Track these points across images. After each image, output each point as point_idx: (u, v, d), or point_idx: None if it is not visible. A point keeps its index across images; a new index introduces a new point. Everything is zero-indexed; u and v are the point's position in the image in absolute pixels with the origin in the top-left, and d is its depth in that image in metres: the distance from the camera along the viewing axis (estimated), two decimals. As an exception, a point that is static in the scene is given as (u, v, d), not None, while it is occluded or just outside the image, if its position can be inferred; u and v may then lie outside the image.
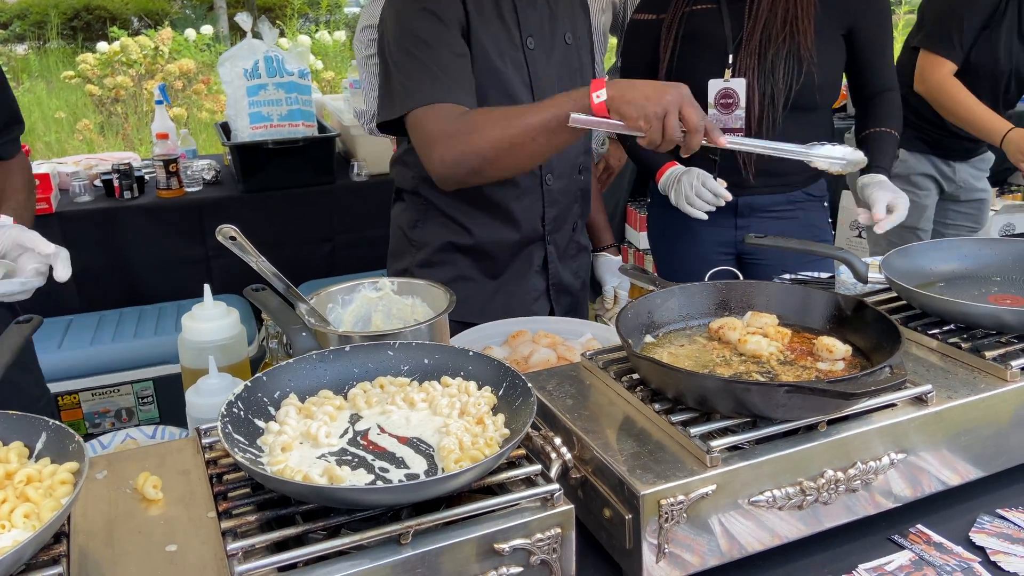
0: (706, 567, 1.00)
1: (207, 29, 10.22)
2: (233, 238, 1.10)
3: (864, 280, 1.35)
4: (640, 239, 4.47)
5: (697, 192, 1.87)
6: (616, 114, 1.33)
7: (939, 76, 2.59)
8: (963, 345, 1.17)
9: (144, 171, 3.31)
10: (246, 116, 3.22)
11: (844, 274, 1.51)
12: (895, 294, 1.35)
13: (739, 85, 1.88)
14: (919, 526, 1.08)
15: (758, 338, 1.16)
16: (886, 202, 1.78)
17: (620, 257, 2.04)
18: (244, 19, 3.35)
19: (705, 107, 1.89)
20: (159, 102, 3.54)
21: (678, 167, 1.95)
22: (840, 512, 1.05)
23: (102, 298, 3.12)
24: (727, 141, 1.33)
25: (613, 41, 2.77)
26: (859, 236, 4.50)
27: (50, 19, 13.23)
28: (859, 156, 1.34)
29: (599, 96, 1.34)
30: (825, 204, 2.10)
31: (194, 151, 3.52)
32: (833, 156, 1.33)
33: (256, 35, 3.36)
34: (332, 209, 3.39)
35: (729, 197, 1.86)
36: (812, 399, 0.96)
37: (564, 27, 1.72)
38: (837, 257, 1.36)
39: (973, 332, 1.22)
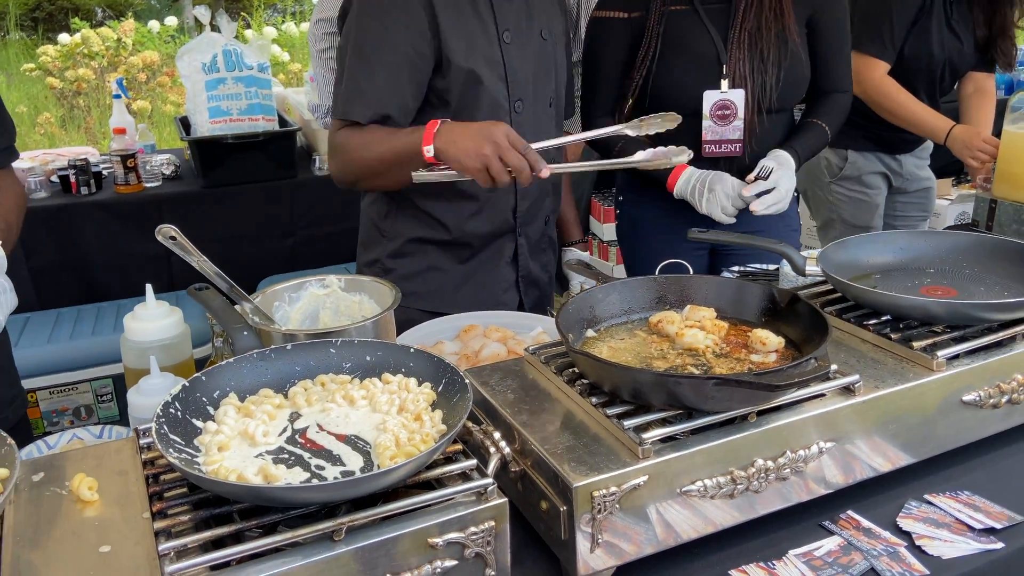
0: (642, 555, 1.02)
1: (171, 21, 10.07)
2: (173, 238, 1.10)
3: (802, 273, 1.38)
4: (604, 231, 4.50)
5: (733, 202, 1.84)
6: (446, 165, 1.46)
7: (875, 78, 2.60)
8: (893, 336, 1.21)
9: (102, 166, 3.27)
10: (205, 110, 3.19)
11: (787, 267, 1.54)
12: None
13: (737, 96, 1.86)
14: (849, 512, 1.12)
15: (695, 331, 1.18)
16: (767, 168, 1.82)
17: (586, 253, 2.07)
18: (202, 12, 3.33)
19: (698, 120, 1.88)
20: (117, 96, 3.50)
21: (693, 172, 1.89)
22: (774, 499, 1.08)
23: (60, 295, 3.09)
24: (549, 170, 1.42)
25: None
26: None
27: (9, 10, 12.97)
28: (674, 152, 1.44)
29: (428, 151, 1.46)
30: (798, 197, 2.12)
31: (153, 146, 3.49)
32: (646, 157, 1.44)
33: (215, 28, 3.33)
34: (293, 204, 3.38)
35: (756, 202, 1.82)
36: (740, 391, 0.98)
37: (540, 23, 1.73)
38: (776, 250, 1.39)
39: (907, 323, 1.26)
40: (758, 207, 1.79)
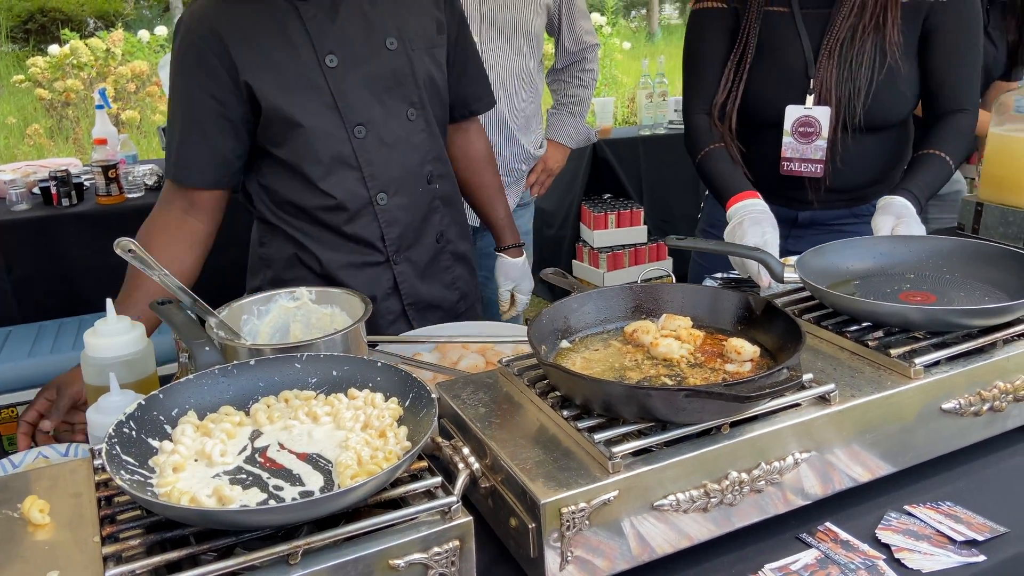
0: (616, 571, 0.99)
1: (162, 31, 10.06)
2: (132, 251, 1.08)
3: (780, 280, 1.36)
4: (594, 238, 4.49)
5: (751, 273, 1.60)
6: None
7: None
8: (871, 343, 1.18)
9: (84, 178, 3.25)
10: (187, 120, 3.16)
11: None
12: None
13: (822, 114, 1.75)
14: (827, 524, 1.09)
15: (669, 341, 1.16)
16: (886, 231, 1.60)
17: (521, 259, 1.97)
18: (185, 22, 3.30)
19: (780, 133, 1.81)
20: (100, 107, 3.48)
21: (747, 209, 1.69)
22: (750, 511, 1.06)
23: (42, 308, 3.06)
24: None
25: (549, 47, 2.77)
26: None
27: (1, 22, 12.95)
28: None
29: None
30: None
31: (135, 156, 3.47)
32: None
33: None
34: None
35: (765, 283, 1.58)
36: (711, 403, 0.96)
37: (385, 31, 1.62)
38: (753, 257, 1.37)
39: (888, 329, 1.24)
40: None
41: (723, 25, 1.86)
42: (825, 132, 1.76)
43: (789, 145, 1.80)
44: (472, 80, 1.85)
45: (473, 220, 2.50)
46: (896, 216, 1.63)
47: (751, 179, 1.83)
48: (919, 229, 1.62)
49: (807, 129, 1.77)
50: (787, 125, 1.78)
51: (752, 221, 1.66)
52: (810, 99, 1.76)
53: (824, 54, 1.75)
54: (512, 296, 2.00)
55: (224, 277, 3.21)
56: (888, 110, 1.79)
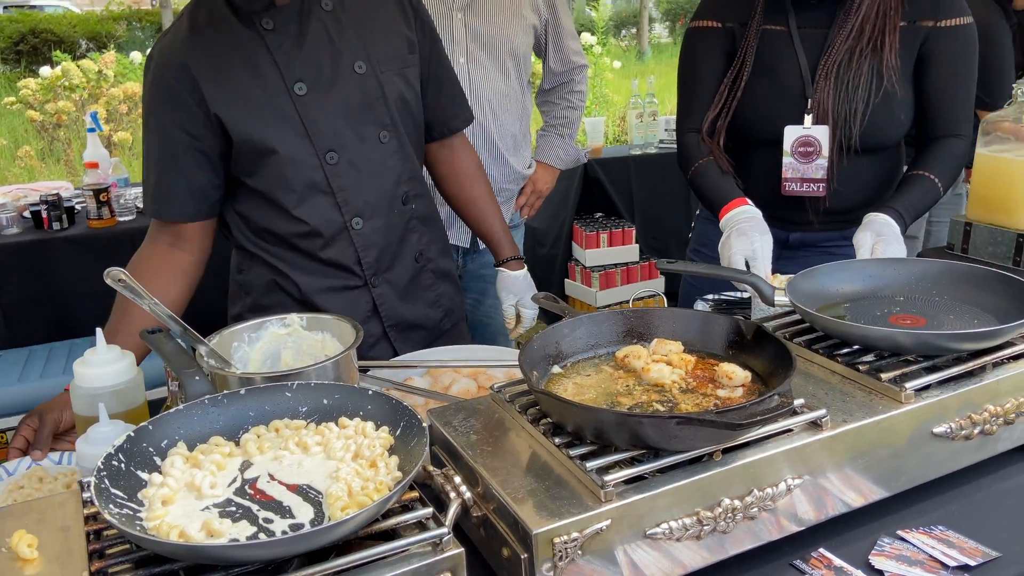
0: (609, 601, 0.99)
1: (154, 52, 10.05)
2: (122, 281, 1.07)
3: (771, 303, 1.36)
4: (587, 257, 4.49)
5: (747, 257, 1.62)
6: None
7: None
8: (861, 367, 1.19)
9: (75, 201, 3.24)
10: (179, 143, 3.17)
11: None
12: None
13: (821, 133, 1.75)
14: (821, 550, 1.09)
15: (660, 366, 1.16)
16: (866, 248, 1.61)
17: (522, 271, 1.91)
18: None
19: (776, 152, 1.81)
20: (91, 130, 3.48)
21: (741, 216, 1.70)
22: (744, 538, 1.05)
23: (32, 332, 3.04)
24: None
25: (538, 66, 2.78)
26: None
27: (-8, 44, 12.98)
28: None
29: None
30: None
31: (126, 179, 3.46)
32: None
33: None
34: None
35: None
36: (703, 430, 0.96)
37: (353, 55, 1.61)
38: (744, 281, 1.37)
39: (878, 353, 1.24)
40: None
41: (718, 45, 1.86)
42: (825, 151, 1.76)
43: (790, 166, 1.79)
44: (449, 97, 1.84)
45: (462, 240, 2.50)
46: (876, 233, 1.63)
47: (742, 187, 1.84)
48: (899, 247, 1.61)
49: (807, 149, 1.77)
50: (787, 145, 1.78)
51: (738, 233, 1.65)
52: (808, 119, 1.77)
53: (821, 74, 1.76)
54: (517, 312, 1.92)
55: (213, 301, 3.21)
56: (883, 132, 1.79)
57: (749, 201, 1.74)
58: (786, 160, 1.79)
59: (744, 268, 1.61)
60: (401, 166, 1.70)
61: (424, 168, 1.85)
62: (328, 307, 1.67)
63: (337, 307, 1.67)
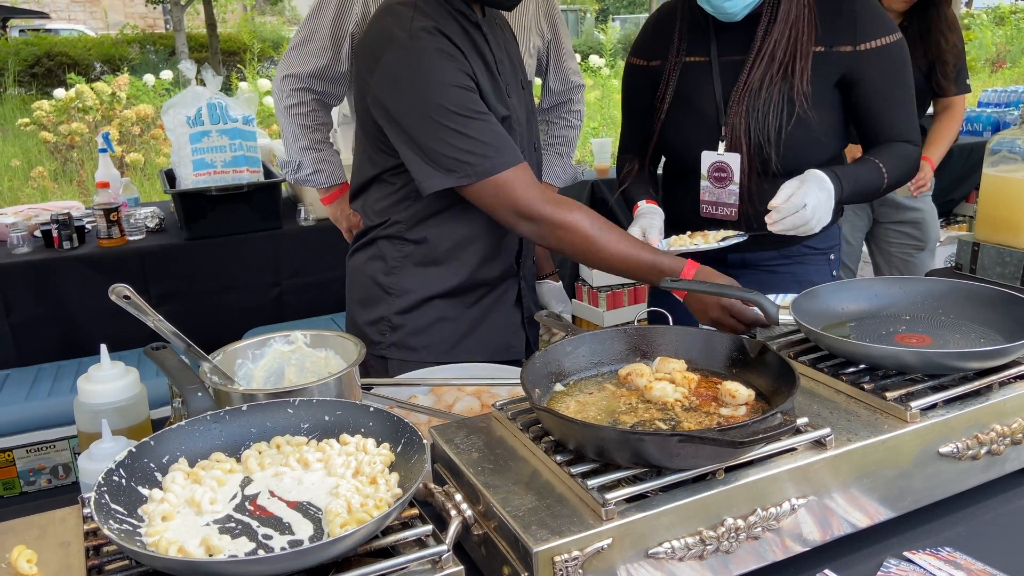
0: (611, 621, 0.98)
1: (167, 74, 10.21)
2: (127, 297, 1.08)
3: (775, 322, 1.36)
4: (594, 277, 4.49)
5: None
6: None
7: None
8: (866, 386, 1.18)
9: (85, 220, 3.27)
10: (189, 163, 3.20)
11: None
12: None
13: (733, 160, 1.79)
14: (826, 571, 1.07)
15: (663, 384, 1.15)
16: (787, 190, 1.65)
17: (561, 283, 2.10)
18: (188, 67, 3.35)
19: (698, 178, 1.86)
20: (103, 150, 3.52)
21: (642, 208, 1.89)
22: (748, 558, 1.04)
23: (41, 351, 3.05)
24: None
25: (537, 83, 2.81)
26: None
27: (8, 66, 13.15)
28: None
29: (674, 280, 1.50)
30: (832, 256, 1.97)
31: (136, 199, 3.49)
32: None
33: (200, 82, 3.36)
34: (279, 254, 3.37)
35: (769, 215, 1.69)
36: (705, 448, 0.95)
37: (522, 73, 1.79)
38: (748, 299, 1.37)
39: (884, 372, 1.23)
40: (770, 220, 1.65)
41: (644, 80, 1.94)
42: (737, 177, 1.80)
43: (706, 189, 1.85)
44: None
45: None
46: (801, 180, 1.67)
47: (661, 205, 1.94)
48: (817, 192, 1.63)
49: (721, 174, 1.82)
50: (704, 170, 1.84)
51: (634, 222, 1.83)
52: (722, 145, 1.81)
53: (735, 101, 1.77)
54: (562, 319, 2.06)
55: (221, 319, 3.22)
56: (803, 157, 1.77)
57: (654, 201, 1.91)
58: (703, 184, 1.85)
59: (657, 243, 1.76)
60: (538, 173, 1.85)
61: None
62: (482, 297, 1.80)
63: (491, 298, 1.81)
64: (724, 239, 1.72)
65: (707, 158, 1.83)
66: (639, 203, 1.92)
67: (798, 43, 1.72)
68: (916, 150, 1.82)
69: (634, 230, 1.80)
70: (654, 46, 1.93)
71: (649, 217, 1.85)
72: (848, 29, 1.73)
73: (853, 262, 3.21)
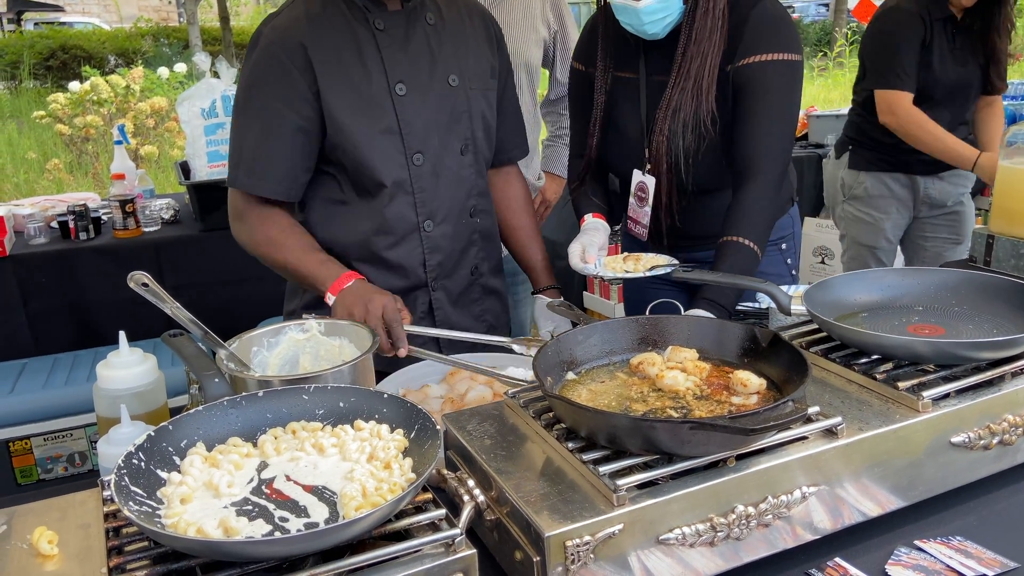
0: (622, 606, 0.99)
1: (181, 67, 10.23)
2: (146, 284, 1.09)
3: (787, 312, 1.36)
4: (606, 269, 4.49)
5: (575, 267, 1.72)
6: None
7: (904, 108, 2.78)
8: (878, 376, 1.18)
9: (101, 212, 3.30)
10: (204, 155, 3.22)
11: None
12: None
13: (651, 182, 1.77)
14: (837, 559, 1.08)
15: (675, 373, 1.16)
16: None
17: (561, 299, 1.93)
18: (202, 59, 3.37)
19: (627, 194, 1.86)
20: (118, 142, 3.54)
21: (588, 223, 1.83)
22: (758, 546, 1.05)
23: (57, 340, 3.09)
24: (406, 351, 1.50)
25: (545, 73, 2.81)
26: (822, 263, 4.55)
27: (24, 59, 13.24)
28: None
29: (329, 298, 1.57)
30: (784, 246, 1.92)
31: (152, 190, 3.52)
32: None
33: (215, 74, 3.38)
34: (292, 245, 3.38)
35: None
36: (716, 435, 0.96)
37: (448, 68, 1.70)
38: (761, 289, 1.37)
39: (896, 362, 1.23)
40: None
41: (584, 86, 1.87)
42: (651, 199, 1.78)
43: (631, 206, 1.85)
44: (512, 128, 1.93)
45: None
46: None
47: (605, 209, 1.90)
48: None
49: (641, 194, 1.81)
50: (632, 187, 1.83)
51: (576, 238, 1.78)
52: (647, 166, 1.77)
53: (658, 120, 1.70)
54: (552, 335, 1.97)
55: (235, 310, 3.24)
56: (713, 179, 1.73)
57: (600, 215, 1.85)
58: (631, 200, 1.85)
59: (592, 264, 1.71)
60: (474, 179, 1.78)
61: None
62: None
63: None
64: (653, 268, 1.64)
65: (635, 176, 1.81)
66: (585, 216, 1.86)
67: (705, 60, 1.64)
68: (765, 187, 1.62)
69: (575, 247, 1.74)
70: (588, 52, 1.86)
71: (591, 234, 1.79)
72: (736, 45, 1.65)
73: (889, 260, 3.20)
